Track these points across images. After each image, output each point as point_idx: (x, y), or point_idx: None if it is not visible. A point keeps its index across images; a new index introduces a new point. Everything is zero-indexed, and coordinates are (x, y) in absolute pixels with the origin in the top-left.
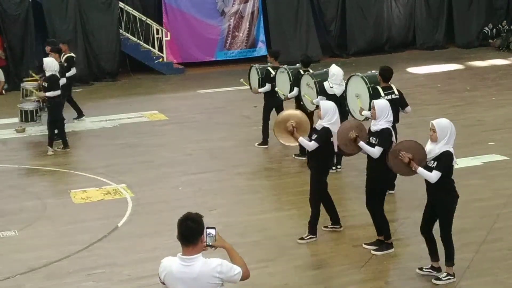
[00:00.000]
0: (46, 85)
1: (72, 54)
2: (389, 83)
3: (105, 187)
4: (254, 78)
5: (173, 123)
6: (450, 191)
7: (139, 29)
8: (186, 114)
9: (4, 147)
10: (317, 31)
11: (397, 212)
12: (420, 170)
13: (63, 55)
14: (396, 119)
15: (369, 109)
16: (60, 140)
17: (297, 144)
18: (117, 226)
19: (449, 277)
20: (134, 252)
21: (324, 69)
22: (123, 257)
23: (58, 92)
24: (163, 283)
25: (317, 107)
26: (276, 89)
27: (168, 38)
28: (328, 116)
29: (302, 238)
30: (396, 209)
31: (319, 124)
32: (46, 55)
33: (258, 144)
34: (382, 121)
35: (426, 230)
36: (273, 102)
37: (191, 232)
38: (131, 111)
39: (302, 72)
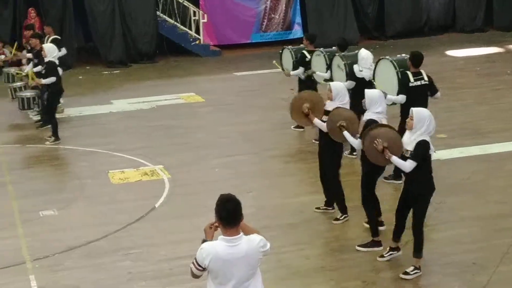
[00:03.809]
0: (43, 72)
1: (57, 36)
2: (419, 68)
3: (143, 168)
4: (288, 60)
5: (209, 105)
6: (426, 183)
7: (176, 11)
8: (223, 96)
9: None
10: (355, 13)
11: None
12: (394, 158)
13: (48, 38)
14: (425, 105)
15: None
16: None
17: (312, 126)
18: (155, 207)
19: (416, 271)
20: (171, 232)
21: (356, 51)
22: (160, 237)
23: (53, 79)
24: (204, 269)
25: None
26: (310, 72)
27: (205, 20)
28: (340, 97)
29: (336, 219)
30: None
31: (329, 105)
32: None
33: (294, 127)
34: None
35: (399, 215)
36: (304, 87)
37: (235, 213)
38: (168, 93)
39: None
